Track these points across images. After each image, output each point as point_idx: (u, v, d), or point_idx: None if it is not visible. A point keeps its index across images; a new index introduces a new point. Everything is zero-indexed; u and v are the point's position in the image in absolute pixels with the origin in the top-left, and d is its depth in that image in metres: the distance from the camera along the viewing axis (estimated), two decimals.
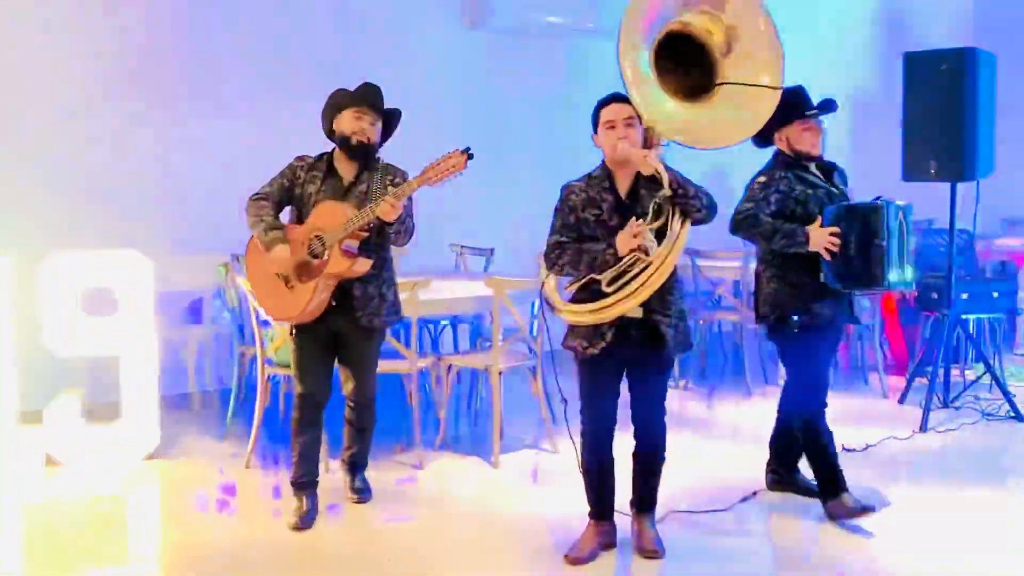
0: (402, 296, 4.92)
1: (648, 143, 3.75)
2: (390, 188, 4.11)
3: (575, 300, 3.83)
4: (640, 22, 3.65)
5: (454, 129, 7.21)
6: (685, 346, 3.94)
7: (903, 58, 6.37)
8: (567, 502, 4.35)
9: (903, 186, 6.54)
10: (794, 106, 4.31)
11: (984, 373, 6.37)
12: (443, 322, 6.84)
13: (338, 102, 4.32)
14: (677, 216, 3.71)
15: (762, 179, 4.41)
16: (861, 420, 6.07)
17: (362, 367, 4.47)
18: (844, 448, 5.37)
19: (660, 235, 3.70)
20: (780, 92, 3.81)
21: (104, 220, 6.00)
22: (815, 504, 4.60)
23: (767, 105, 3.79)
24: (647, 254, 3.63)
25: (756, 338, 7.36)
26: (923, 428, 5.83)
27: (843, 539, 4.23)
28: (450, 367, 5.39)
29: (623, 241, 3.64)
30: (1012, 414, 6.11)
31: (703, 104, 3.77)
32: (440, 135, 7.17)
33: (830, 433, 4.44)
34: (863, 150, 9.01)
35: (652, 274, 3.64)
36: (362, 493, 4.63)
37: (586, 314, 3.75)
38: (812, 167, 4.45)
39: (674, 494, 4.63)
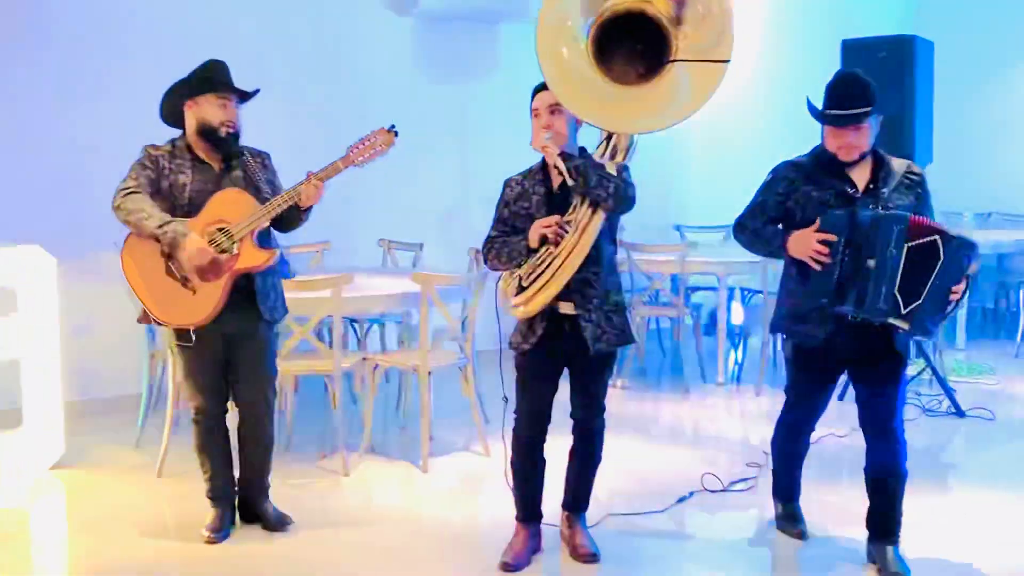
0: (325, 293, 4.84)
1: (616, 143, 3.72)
2: (309, 172, 3.98)
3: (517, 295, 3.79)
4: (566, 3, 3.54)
5: (380, 117, 7.11)
6: (617, 341, 3.80)
7: (841, 45, 6.45)
8: (499, 508, 4.29)
9: None
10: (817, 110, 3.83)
11: (924, 369, 6.46)
12: (368, 321, 6.75)
13: (194, 87, 4.01)
14: (586, 206, 3.63)
15: (768, 178, 3.95)
16: None
17: (263, 367, 4.19)
18: None
19: None
20: (727, 65, 3.52)
21: (3, 215, 5.79)
22: (752, 504, 4.62)
23: (712, 82, 3.53)
24: (556, 245, 3.60)
25: (693, 335, 7.41)
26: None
27: (779, 538, 4.25)
28: (376, 367, 5.30)
29: (532, 233, 3.64)
30: (952, 410, 6.20)
31: (646, 86, 3.58)
32: (366, 123, 7.12)
33: (787, 462, 4.24)
34: (802, 139, 9.12)
35: (559, 266, 3.59)
36: (282, 524, 4.29)
37: (516, 311, 3.74)
38: (846, 170, 3.76)
39: (611, 496, 4.62)
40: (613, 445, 5.57)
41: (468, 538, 4.26)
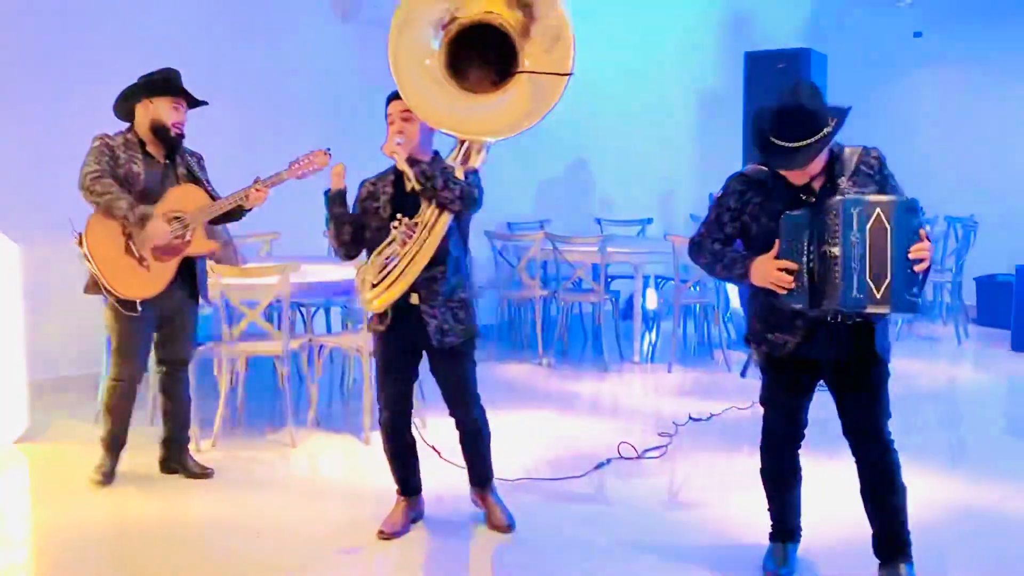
0: (272, 279, 4.85)
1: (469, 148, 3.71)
2: (257, 177, 4.31)
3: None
4: (420, 11, 3.55)
5: (327, 122, 7.12)
6: (461, 337, 3.75)
7: (744, 57, 6.60)
8: (429, 476, 4.37)
9: None
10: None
11: None
12: (314, 306, 6.74)
13: (153, 89, 4.25)
14: (432, 208, 3.61)
15: (719, 193, 3.38)
16: (706, 392, 6.29)
17: (188, 334, 4.48)
18: (691, 418, 5.58)
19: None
20: (569, 78, 3.55)
21: None
22: (664, 472, 4.74)
23: (556, 93, 3.53)
24: (403, 246, 3.61)
25: (612, 319, 7.54)
26: (762, 399, 6.05)
27: (689, 505, 4.36)
28: (321, 347, 5.32)
29: (393, 232, 3.64)
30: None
31: (493, 95, 3.58)
32: (311, 128, 7.12)
33: (773, 486, 3.62)
34: (709, 142, 9.30)
35: (407, 264, 3.60)
36: (202, 473, 4.49)
37: (367, 304, 3.74)
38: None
39: (536, 463, 4.71)
40: (537, 418, 5.70)
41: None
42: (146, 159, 4.26)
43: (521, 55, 3.53)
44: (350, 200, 3.89)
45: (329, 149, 4.30)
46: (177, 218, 4.21)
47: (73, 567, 3.65)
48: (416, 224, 3.61)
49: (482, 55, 3.60)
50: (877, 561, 3.30)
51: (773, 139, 3.05)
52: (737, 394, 6.14)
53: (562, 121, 8.65)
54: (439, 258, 3.66)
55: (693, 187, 9.14)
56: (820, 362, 3.28)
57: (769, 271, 3.13)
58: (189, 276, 4.36)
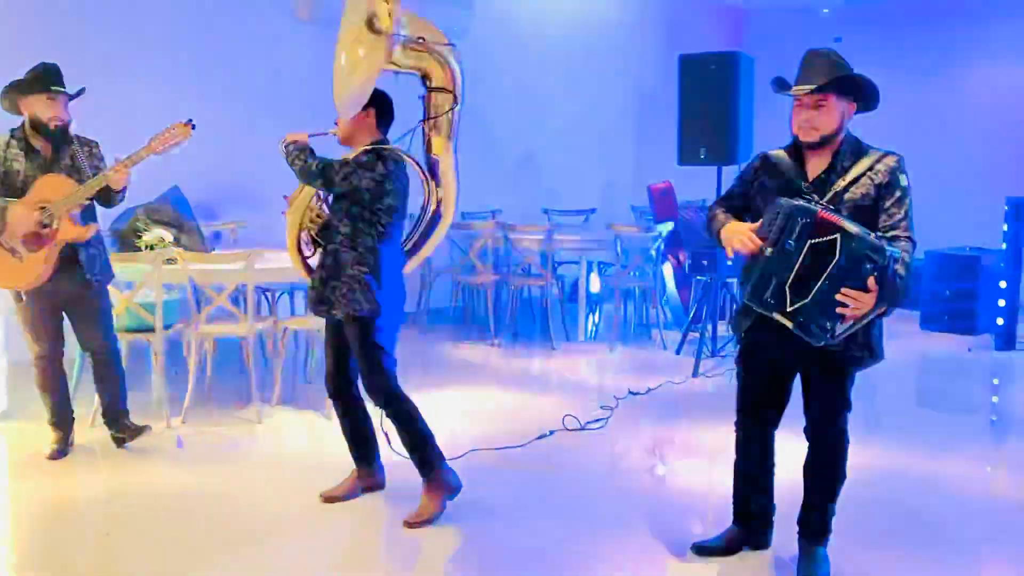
0: (238, 265, 4.77)
1: (427, 114, 3.88)
2: (117, 158, 4.11)
3: None
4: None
5: (291, 120, 6.99)
6: (354, 309, 3.56)
7: (678, 60, 6.62)
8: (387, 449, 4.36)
9: (679, 170, 6.83)
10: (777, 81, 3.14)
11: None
12: (278, 290, 6.66)
13: (24, 87, 4.08)
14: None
15: (744, 166, 3.30)
16: (644, 368, 6.33)
17: (96, 320, 4.32)
18: (631, 392, 5.61)
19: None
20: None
21: None
22: (606, 442, 4.77)
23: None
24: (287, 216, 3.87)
25: (558, 302, 7.55)
26: (695, 374, 6.12)
27: (629, 471, 4.39)
28: (285, 329, 5.25)
29: None
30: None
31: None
32: (276, 125, 7.00)
33: (739, 479, 3.38)
34: (646, 139, 9.35)
35: (287, 231, 3.87)
36: (124, 442, 4.42)
37: None
38: (805, 159, 3.07)
39: (487, 435, 4.70)
40: (490, 393, 5.69)
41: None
42: (30, 155, 4.13)
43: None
44: None
45: (191, 120, 4.12)
46: (43, 208, 4.06)
47: (49, 537, 3.58)
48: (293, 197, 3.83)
49: None
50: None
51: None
52: (672, 370, 6.20)
53: (512, 119, 8.66)
54: (332, 237, 3.64)
55: (632, 180, 9.18)
56: (788, 358, 3.09)
57: (731, 235, 3.01)
58: (76, 263, 4.17)
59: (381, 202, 3.55)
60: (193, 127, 4.12)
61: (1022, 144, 8.52)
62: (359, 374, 3.72)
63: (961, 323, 7.59)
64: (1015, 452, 4.97)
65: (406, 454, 3.73)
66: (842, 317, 2.79)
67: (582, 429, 4.89)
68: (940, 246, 7.84)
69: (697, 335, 6.49)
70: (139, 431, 4.46)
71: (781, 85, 3.07)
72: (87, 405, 4.68)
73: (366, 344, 3.62)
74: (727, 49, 6.67)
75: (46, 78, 4.09)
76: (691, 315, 6.97)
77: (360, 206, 3.55)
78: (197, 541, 3.51)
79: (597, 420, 5.02)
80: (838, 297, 2.76)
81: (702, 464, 4.40)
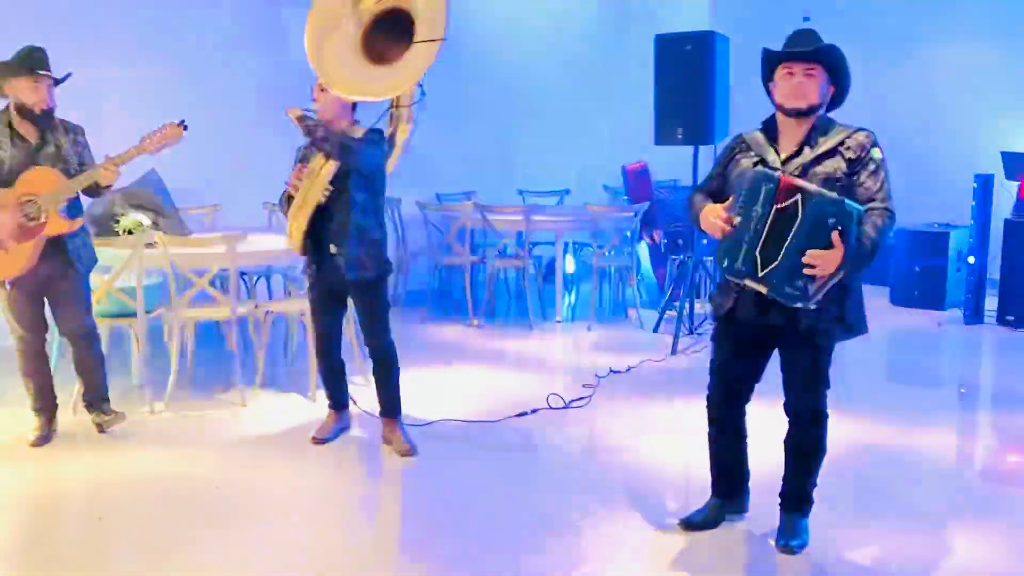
0: (219, 249, 4.77)
1: (395, 102, 4.00)
2: (107, 155, 4.10)
3: None
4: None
5: (267, 103, 6.97)
6: (372, 271, 4.04)
7: (654, 40, 6.65)
8: (368, 426, 4.45)
9: (656, 149, 6.88)
10: (765, 57, 3.13)
11: None
12: (256, 274, 6.65)
13: (9, 71, 4.04)
14: (320, 157, 3.96)
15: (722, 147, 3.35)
16: (624, 347, 6.40)
17: (75, 304, 4.30)
18: (612, 371, 5.68)
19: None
20: (439, 43, 3.58)
21: None
22: (589, 419, 4.83)
23: (425, 55, 3.60)
24: (295, 190, 4.00)
25: (536, 282, 7.61)
26: (673, 351, 6.20)
27: (611, 449, 4.46)
28: (268, 312, 5.25)
29: (289, 184, 4.06)
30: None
31: (388, 65, 3.67)
32: (251, 110, 6.98)
33: (711, 446, 3.47)
34: (622, 119, 9.39)
35: (299, 207, 3.98)
36: (106, 427, 4.44)
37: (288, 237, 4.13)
38: (778, 137, 3.11)
39: (468, 413, 4.75)
40: (471, 373, 5.74)
41: (347, 449, 4.36)
42: (16, 140, 4.09)
43: (416, 29, 3.60)
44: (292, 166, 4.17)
45: (183, 121, 4.13)
46: (30, 201, 4.04)
47: (34, 524, 3.58)
48: (303, 169, 3.97)
49: (390, 33, 3.67)
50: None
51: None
52: (651, 348, 6.28)
53: (488, 100, 8.66)
54: (345, 207, 3.96)
55: (607, 161, 9.22)
56: (758, 330, 3.14)
57: (707, 217, 3.05)
58: (63, 252, 4.17)
59: (383, 175, 4.07)
60: (185, 128, 4.12)
61: (989, 122, 8.66)
62: (365, 332, 4.19)
63: (931, 298, 7.74)
64: (983, 424, 5.11)
65: (374, 411, 4.32)
66: (813, 278, 2.83)
67: (566, 408, 4.94)
68: (910, 224, 7.98)
69: (674, 313, 6.57)
70: (121, 417, 4.46)
71: (774, 53, 3.08)
72: (66, 391, 4.66)
73: (381, 303, 4.15)
74: (702, 29, 6.71)
75: (31, 61, 4.03)
76: (667, 294, 7.05)
77: (372, 178, 4.00)
78: (183, 524, 3.53)
79: (580, 398, 5.08)
80: (804, 260, 2.81)
81: (684, 439, 4.48)
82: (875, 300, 8.04)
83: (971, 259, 7.24)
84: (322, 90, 3.92)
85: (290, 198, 4.09)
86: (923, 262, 7.82)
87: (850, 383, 5.66)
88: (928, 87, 9.08)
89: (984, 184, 7.17)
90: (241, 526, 3.52)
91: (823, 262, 2.81)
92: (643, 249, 7.83)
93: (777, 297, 2.91)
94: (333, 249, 4.00)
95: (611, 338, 6.77)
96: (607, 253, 7.24)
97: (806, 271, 2.82)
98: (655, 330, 6.83)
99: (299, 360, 5.76)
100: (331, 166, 3.92)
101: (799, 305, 2.90)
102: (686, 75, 6.35)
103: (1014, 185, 7.38)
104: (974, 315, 7.20)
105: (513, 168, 9.01)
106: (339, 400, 4.48)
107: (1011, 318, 7.01)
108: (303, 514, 3.66)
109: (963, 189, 7.37)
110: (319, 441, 4.35)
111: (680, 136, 6.39)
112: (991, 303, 7.22)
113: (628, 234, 7.36)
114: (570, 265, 8.13)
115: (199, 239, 4.77)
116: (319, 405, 4.98)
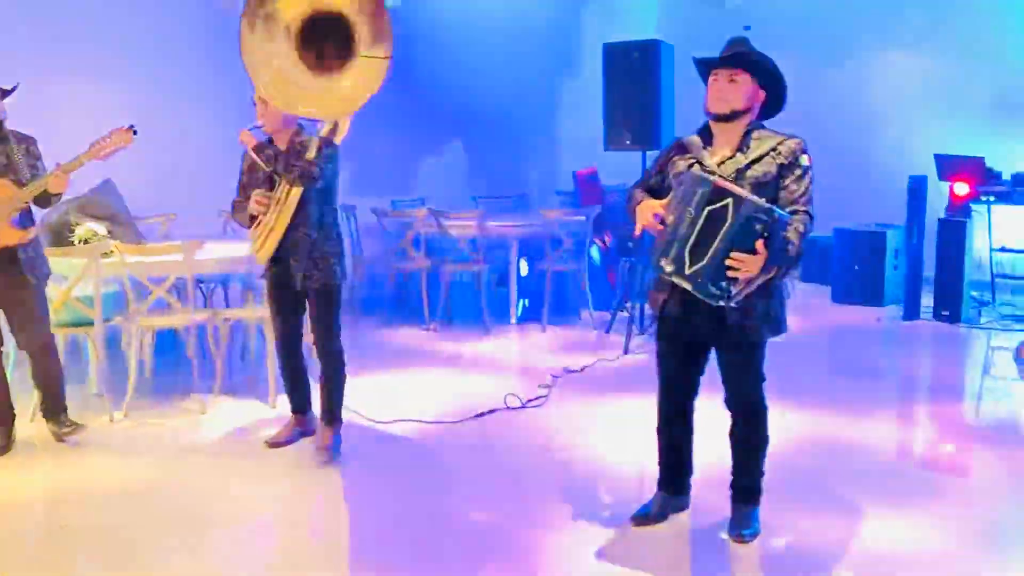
0: (177, 257, 4.75)
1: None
2: (58, 164, 4.06)
3: None
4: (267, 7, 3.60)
5: (219, 111, 6.93)
6: (322, 282, 4.09)
7: (603, 48, 6.75)
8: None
9: (605, 155, 6.99)
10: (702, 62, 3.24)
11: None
12: (212, 281, 6.60)
13: None
14: (284, 183, 3.98)
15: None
16: (577, 347, 6.48)
17: (34, 319, 4.27)
18: (566, 370, 5.75)
19: None
20: (388, 61, 3.61)
21: None
22: (546, 418, 4.89)
23: (377, 74, 3.62)
24: (263, 214, 4.02)
25: (490, 286, 7.65)
26: (626, 351, 6.30)
27: (562, 449, 4.53)
28: (225, 320, 5.23)
29: (251, 204, 4.05)
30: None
31: (332, 78, 3.63)
32: (204, 117, 6.93)
33: (659, 439, 3.56)
34: (573, 125, 9.49)
35: (270, 229, 4.01)
36: (65, 437, 4.41)
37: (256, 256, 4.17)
38: (712, 141, 3.22)
39: (421, 412, 4.78)
40: (429, 376, 5.77)
41: (305, 453, 4.33)
42: None
43: (358, 39, 3.59)
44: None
45: (133, 126, 4.12)
46: None
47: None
48: (269, 198, 4.00)
49: (326, 41, 3.64)
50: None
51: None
52: (604, 348, 6.37)
53: (440, 106, 8.69)
54: (303, 222, 4.02)
55: (559, 166, 9.32)
56: (694, 328, 3.23)
57: (643, 212, 3.12)
58: (15, 262, 4.14)
59: (338, 184, 4.14)
60: (135, 132, 4.09)
61: (923, 126, 8.92)
62: (319, 339, 4.18)
63: (870, 296, 7.95)
64: (922, 415, 5.28)
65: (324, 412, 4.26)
66: (736, 279, 2.92)
67: (523, 407, 5.00)
68: (849, 224, 8.19)
69: (625, 314, 6.66)
70: (80, 427, 4.42)
71: (699, 60, 3.23)
72: (24, 401, 4.60)
73: (332, 311, 4.16)
74: (648, 38, 6.82)
75: None
76: (619, 295, 7.15)
77: (328, 190, 4.07)
78: (144, 532, 3.51)
79: (537, 398, 5.15)
80: (728, 261, 2.89)
81: (637, 435, 4.55)
82: (817, 299, 8.25)
83: (905, 257, 7.45)
84: (263, 102, 3.92)
85: (239, 204, 4.14)
86: (862, 261, 7.99)
87: (795, 378, 5.81)
88: (865, 93, 9.32)
89: (918, 185, 7.38)
90: (202, 534, 3.51)
91: (747, 265, 2.89)
92: (595, 252, 7.92)
93: (700, 295, 2.98)
94: (293, 261, 4.06)
95: (565, 339, 6.84)
96: (560, 257, 7.32)
97: (730, 273, 2.91)
98: (607, 331, 6.92)
99: (258, 367, 5.74)
100: (297, 191, 3.96)
101: (721, 304, 2.98)
102: (634, 82, 6.46)
103: (946, 185, 7.63)
104: (911, 310, 7.41)
105: (466, 173, 9.06)
106: (300, 404, 4.48)
107: (946, 313, 7.23)
108: (263, 521, 3.67)
109: (898, 190, 7.57)
110: (274, 445, 4.35)
111: (628, 141, 6.50)
112: (928, 299, 7.43)
113: (581, 238, 7.44)
114: (524, 268, 8.19)
115: (155, 247, 4.74)
116: (279, 411, 4.98)
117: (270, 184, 4.05)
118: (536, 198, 8.92)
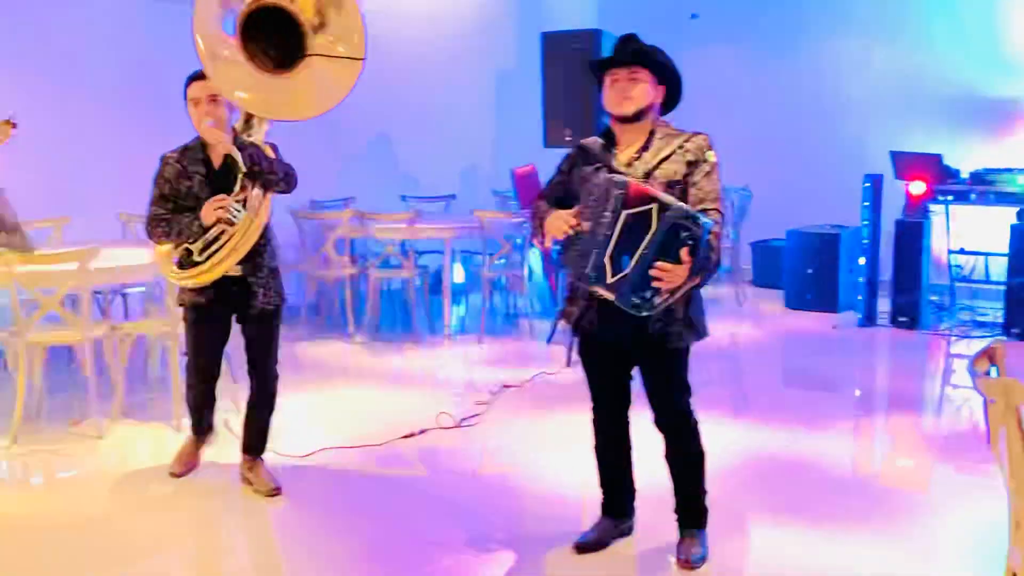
0: (71, 266, 4.61)
1: (250, 116, 3.88)
2: None
3: (181, 265, 3.93)
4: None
5: (122, 109, 6.78)
6: (276, 300, 4.02)
7: (541, 37, 6.77)
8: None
9: (544, 152, 7.00)
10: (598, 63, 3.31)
11: None
12: (110, 292, 6.44)
13: None
14: (258, 188, 3.82)
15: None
16: (516, 360, 6.49)
17: None
18: (505, 386, 5.75)
19: None
20: (361, 62, 3.68)
21: None
22: (482, 438, 4.88)
23: (353, 76, 3.70)
24: (231, 224, 3.77)
25: (422, 294, 7.62)
26: (568, 363, 6.31)
27: (500, 470, 4.52)
28: (125, 335, 5.10)
29: (206, 213, 3.76)
30: None
31: (288, 77, 3.62)
32: (104, 115, 6.77)
33: (602, 459, 3.61)
34: (509, 119, 9.51)
35: (239, 241, 3.80)
36: None
37: (188, 279, 3.89)
38: (616, 145, 3.27)
39: (352, 437, 4.73)
40: (353, 394, 5.71)
41: (219, 479, 4.27)
42: None
43: (309, 37, 3.58)
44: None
45: (12, 117, 4.01)
46: None
47: None
48: (239, 202, 3.78)
49: (273, 37, 3.61)
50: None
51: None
52: (545, 360, 6.39)
53: (364, 99, 8.61)
54: (263, 234, 3.89)
55: (494, 163, 9.32)
56: (615, 342, 3.26)
57: (555, 224, 3.11)
58: None
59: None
60: (15, 125, 3.97)
61: (879, 121, 9.13)
62: (263, 362, 4.07)
63: (825, 301, 8.11)
64: (878, 427, 5.40)
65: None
66: (659, 289, 2.93)
67: (457, 427, 4.98)
68: (801, 225, 8.35)
69: (567, 323, 6.68)
70: None
71: (596, 61, 3.30)
72: None
73: (277, 332, 4.09)
74: (589, 27, 6.87)
75: None
76: (560, 302, 7.16)
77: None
78: (39, 571, 3.40)
79: (473, 415, 5.13)
80: (652, 272, 2.91)
81: (580, 454, 4.56)
82: (770, 304, 8.39)
83: (861, 260, 7.62)
84: (213, 100, 3.78)
85: (163, 219, 3.87)
86: (815, 264, 8.14)
87: (747, 388, 5.91)
88: (818, 84, 9.51)
89: (874, 184, 7.56)
90: (104, 569, 3.41)
91: (672, 275, 2.91)
92: (534, 256, 7.94)
93: (622, 305, 2.99)
94: (238, 271, 3.89)
95: (504, 351, 6.84)
96: (497, 261, 7.31)
97: (654, 283, 2.92)
98: (548, 341, 6.93)
99: (160, 386, 5.61)
100: (268, 200, 3.85)
101: (643, 314, 3.00)
102: (574, 74, 6.49)
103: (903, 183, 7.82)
104: (867, 317, 7.57)
105: (394, 172, 9.01)
106: (210, 424, 4.39)
107: (904, 319, 7.41)
108: (175, 553, 3.58)
109: (853, 189, 7.74)
110: (181, 475, 4.24)
111: (569, 137, 6.53)
112: (884, 304, 7.60)
113: (519, 241, 7.45)
114: (459, 275, 8.17)
115: (46, 255, 4.59)
116: (185, 434, 4.86)
117: (210, 191, 3.81)
118: (470, 198, 8.91)
